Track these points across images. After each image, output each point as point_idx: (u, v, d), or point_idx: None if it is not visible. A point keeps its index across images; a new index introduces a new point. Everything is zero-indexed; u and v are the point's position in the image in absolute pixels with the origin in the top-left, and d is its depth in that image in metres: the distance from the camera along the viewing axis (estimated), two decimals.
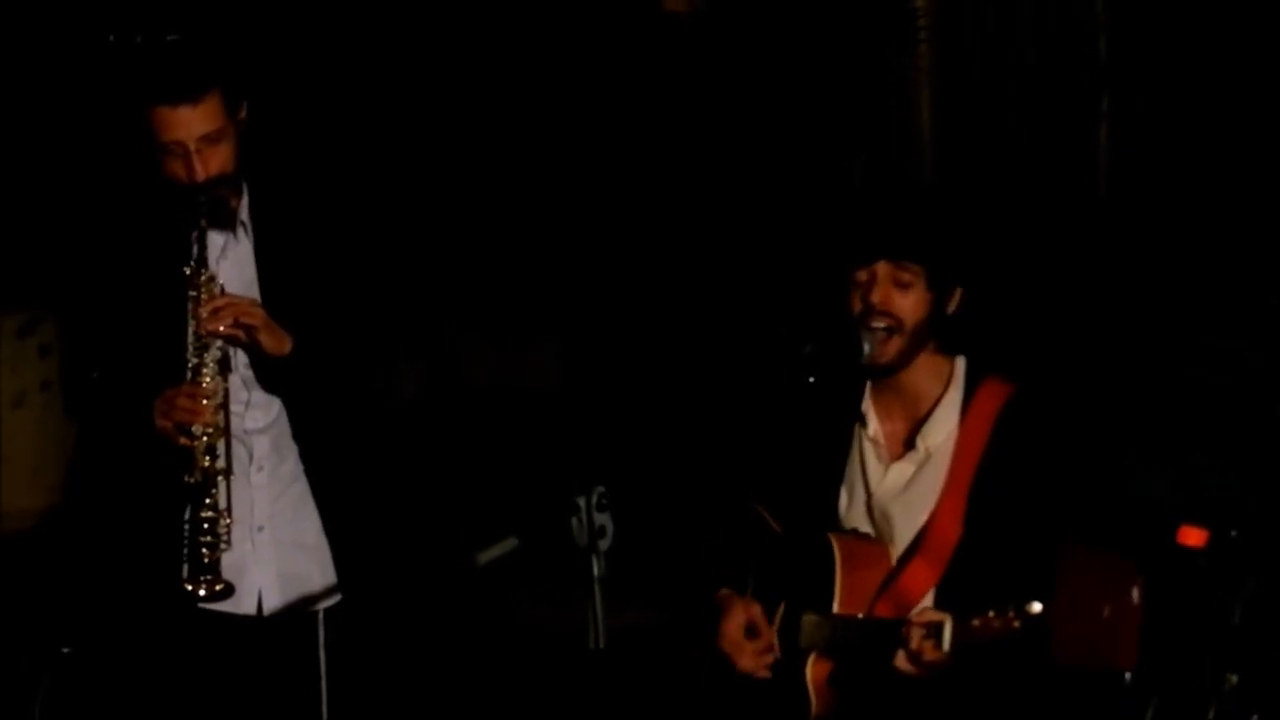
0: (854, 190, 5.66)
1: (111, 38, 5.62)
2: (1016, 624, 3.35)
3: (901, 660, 3.50)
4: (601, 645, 3.46)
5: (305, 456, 4.07)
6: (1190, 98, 5.11)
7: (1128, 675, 3.46)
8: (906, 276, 3.70)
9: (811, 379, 3.68)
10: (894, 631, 3.53)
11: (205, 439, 3.88)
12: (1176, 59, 5.14)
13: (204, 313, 3.87)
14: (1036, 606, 3.33)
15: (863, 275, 3.72)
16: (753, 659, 3.77)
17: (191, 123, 3.83)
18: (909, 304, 3.70)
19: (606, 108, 6.12)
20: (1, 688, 4.82)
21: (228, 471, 3.91)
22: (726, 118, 6.01)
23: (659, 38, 6.10)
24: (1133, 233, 5.21)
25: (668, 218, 6.10)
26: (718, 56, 6.02)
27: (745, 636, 3.78)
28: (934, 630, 3.46)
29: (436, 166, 6.06)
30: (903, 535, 3.74)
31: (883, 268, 3.70)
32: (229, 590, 3.91)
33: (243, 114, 3.93)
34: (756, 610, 3.79)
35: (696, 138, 6.06)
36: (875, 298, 3.70)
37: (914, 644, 3.48)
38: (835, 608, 3.68)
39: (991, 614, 3.38)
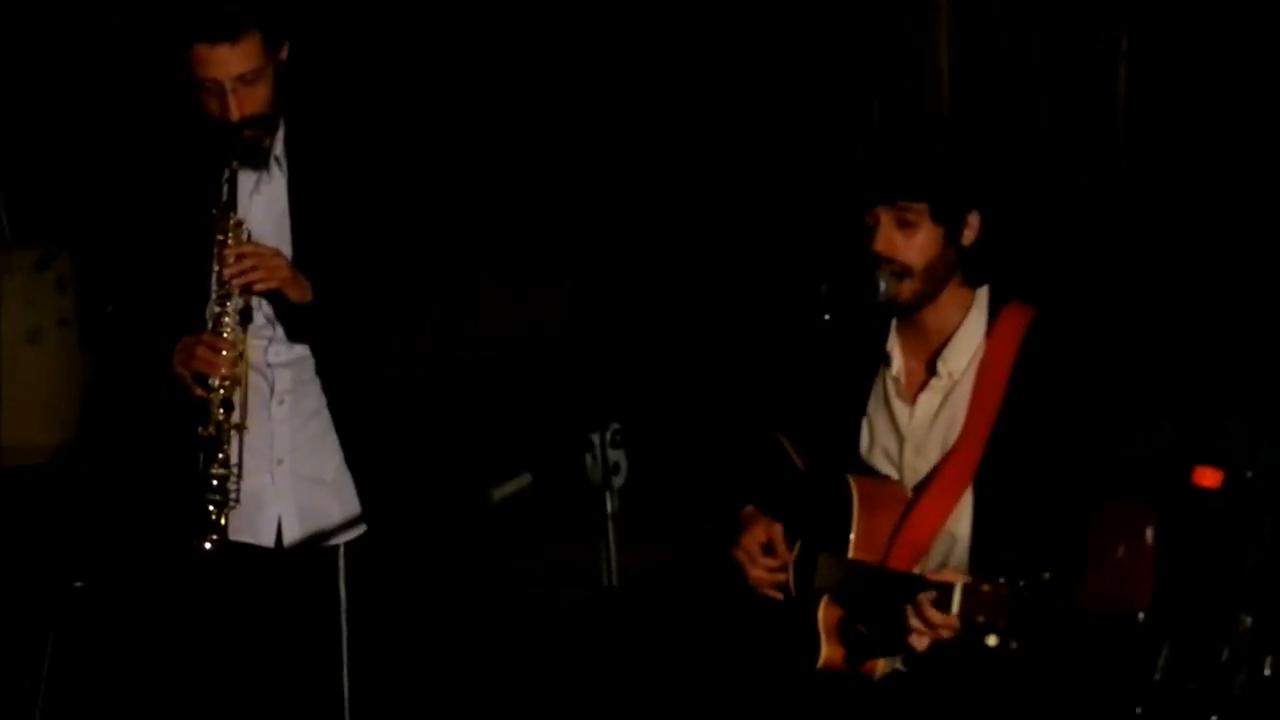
0: (868, 133, 5.63)
1: None
2: (1027, 592, 3.33)
3: (911, 619, 3.49)
4: (615, 582, 3.46)
5: (328, 392, 4.07)
6: (1211, 39, 5.08)
7: (1141, 616, 3.46)
8: (910, 216, 3.65)
9: (827, 317, 3.67)
10: (906, 587, 3.52)
11: (222, 391, 3.87)
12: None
13: (229, 259, 3.86)
14: (1047, 575, 3.31)
15: (869, 220, 3.69)
16: (764, 572, 3.79)
17: (229, 62, 3.81)
18: (916, 244, 3.66)
19: (620, 46, 6.10)
20: (15, 622, 4.84)
21: (241, 427, 3.90)
22: (742, 56, 5.98)
23: None
24: (1150, 182, 5.19)
25: (681, 155, 6.08)
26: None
27: (761, 551, 3.80)
28: (943, 592, 3.45)
29: (449, 111, 6.04)
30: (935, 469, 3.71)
31: (883, 213, 3.66)
32: (233, 549, 3.92)
33: (284, 54, 3.91)
34: (778, 530, 3.80)
35: (711, 77, 6.04)
36: (879, 245, 3.66)
37: (923, 605, 3.47)
38: (850, 552, 3.67)
39: (1002, 580, 3.36)
